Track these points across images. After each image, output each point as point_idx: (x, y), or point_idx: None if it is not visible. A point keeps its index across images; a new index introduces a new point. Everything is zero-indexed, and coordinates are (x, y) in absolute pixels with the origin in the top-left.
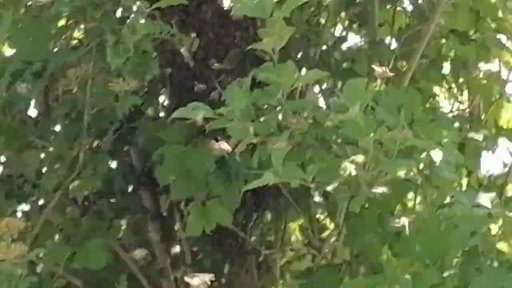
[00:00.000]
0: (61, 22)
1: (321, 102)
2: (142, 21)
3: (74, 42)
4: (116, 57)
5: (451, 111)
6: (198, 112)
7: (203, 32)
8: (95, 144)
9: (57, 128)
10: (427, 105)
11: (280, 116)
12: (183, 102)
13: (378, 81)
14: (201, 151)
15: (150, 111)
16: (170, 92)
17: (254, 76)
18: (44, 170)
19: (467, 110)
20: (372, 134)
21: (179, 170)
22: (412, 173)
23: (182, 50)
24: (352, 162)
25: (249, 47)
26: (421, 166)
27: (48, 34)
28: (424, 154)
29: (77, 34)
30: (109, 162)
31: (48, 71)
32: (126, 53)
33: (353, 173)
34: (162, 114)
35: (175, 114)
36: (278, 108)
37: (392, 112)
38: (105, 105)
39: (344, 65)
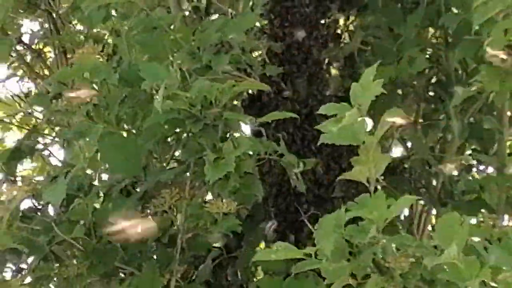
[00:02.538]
0: None
1: None
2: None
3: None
4: (215, 174)
5: None
6: (282, 254)
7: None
8: (189, 273)
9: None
10: None
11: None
12: (287, 232)
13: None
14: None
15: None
16: (275, 219)
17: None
18: None
19: None
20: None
21: None
22: None
23: (293, 173)
24: None
25: (339, 178)
26: None
27: (143, 151)
28: None
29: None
30: None
31: (140, 190)
32: (227, 168)
33: None
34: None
35: (256, 258)
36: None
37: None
38: (201, 229)
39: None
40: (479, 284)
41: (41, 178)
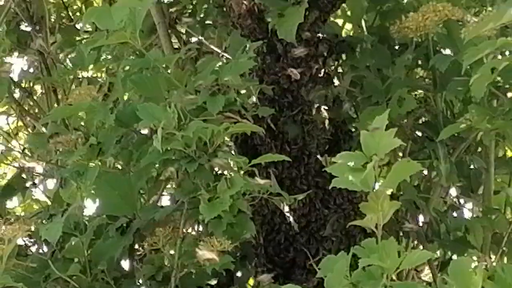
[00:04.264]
0: None
1: None
2: (240, 176)
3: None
4: (211, 212)
5: None
6: None
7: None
8: None
9: None
10: None
11: None
12: (276, 271)
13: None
14: None
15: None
16: (264, 258)
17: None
18: None
19: None
20: None
21: None
22: None
23: (285, 209)
24: None
25: (349, 224)
26: None
27: (137, 189)
28: None
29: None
30: None
31: (134, 227)
32: (222, 207)
33: None
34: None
35: None
36: None
37: None
38: (195, 267)
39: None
40: None
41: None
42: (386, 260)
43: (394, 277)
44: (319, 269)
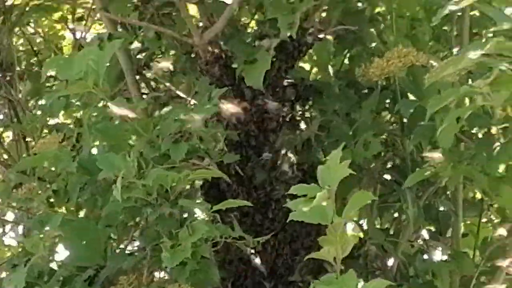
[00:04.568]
0: None
1: None
2: (202, 223)
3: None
4: (173, 260)
5: None
6: None
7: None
8: None
9: None
10: None
11: None
12: None
13: None
14: None
15: None
16: None
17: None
18: None
19: None
20: None
21: None
22: None
23: (250, 252)
24: None
25: (307, 257)
26: None
27: (103, 237)
28: None
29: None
30: None
31: (102, 276)
32: (183, 254)
33: None
34: None
35: None
36: None
37: None
38: None
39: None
40: None
41: None
42: None
43: None
44: None
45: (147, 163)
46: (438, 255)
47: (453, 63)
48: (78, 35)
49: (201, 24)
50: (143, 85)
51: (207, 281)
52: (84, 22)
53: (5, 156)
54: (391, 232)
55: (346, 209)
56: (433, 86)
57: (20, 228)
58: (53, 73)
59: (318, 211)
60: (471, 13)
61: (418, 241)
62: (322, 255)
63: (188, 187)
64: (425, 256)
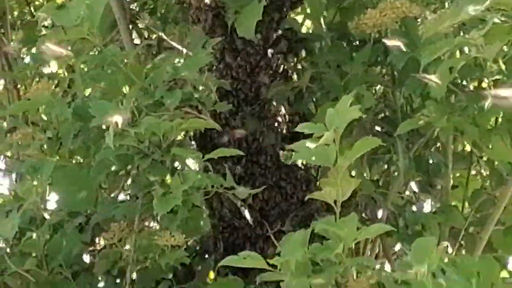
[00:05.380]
0: None
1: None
2: (193, 172)
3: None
4: (163, 207)
5: None
6: (248, 262)
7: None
8: None
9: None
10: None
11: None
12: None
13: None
14: None
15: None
16: (222, 251)
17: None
18: None
19: None
20: None
21: None
22: None
23: (239, 204)
24: None
25: (308, 196)
26: None
27: (94, 184)
28: None
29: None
30: None
31: (92, 223)
32: (174, 202)
33: None
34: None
35: (224, 262)
36: (338, 264)
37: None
38: (151, 262)
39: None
40: None
41: None
42: (346, 229)
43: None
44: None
45: (139, 111)
46: (428, 207)
47: (451, 16)
48: None
49: None
50: (135, 35)
51: (199, 229)
52: None
53: None
54: (381, 184)
55: (350, 153)
56: (426, 38)
57: (13, 177)
58: (45, 22)
59: (323, 152)
60: None
61: (407, 192)
62: (322, 196)
63: (182, 136)
64: (414, 208)
